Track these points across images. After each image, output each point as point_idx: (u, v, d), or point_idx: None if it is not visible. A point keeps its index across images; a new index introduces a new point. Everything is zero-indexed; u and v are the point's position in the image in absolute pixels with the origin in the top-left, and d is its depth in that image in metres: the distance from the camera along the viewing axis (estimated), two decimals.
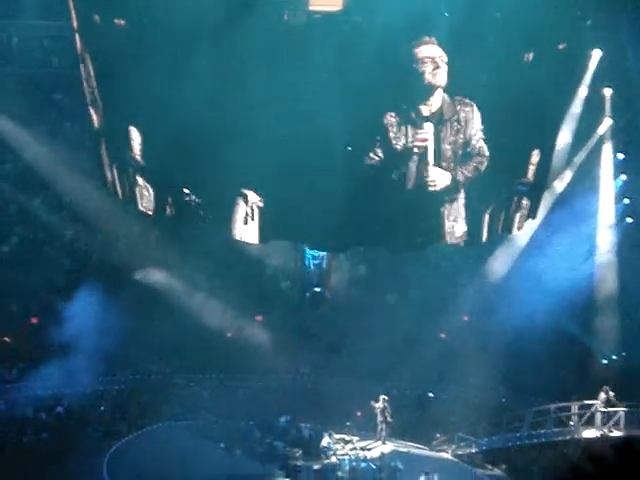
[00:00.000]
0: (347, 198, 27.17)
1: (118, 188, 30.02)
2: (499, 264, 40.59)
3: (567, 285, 38.48)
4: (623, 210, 40.59)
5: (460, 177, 28.05)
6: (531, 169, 29.95)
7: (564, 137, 37.21)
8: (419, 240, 30.21)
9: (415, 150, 27.20)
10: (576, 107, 37.58)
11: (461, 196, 28.69)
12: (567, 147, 38.37)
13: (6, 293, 39.30)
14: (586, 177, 39.73)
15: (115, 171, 29.79)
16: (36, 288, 39.86)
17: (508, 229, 31.15)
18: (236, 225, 28.46)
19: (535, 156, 29.76)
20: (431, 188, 27.80)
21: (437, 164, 27.71)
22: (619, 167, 40.38)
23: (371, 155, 27.09)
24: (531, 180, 30.13)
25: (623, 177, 40.43)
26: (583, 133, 39.21)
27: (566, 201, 39.13)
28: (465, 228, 29.18)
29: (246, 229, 28.51)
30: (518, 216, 30.58)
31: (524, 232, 35.86)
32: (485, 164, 28.19)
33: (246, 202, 28.03)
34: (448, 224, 28.87)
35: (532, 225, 35.46)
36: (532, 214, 32.09)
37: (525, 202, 30.57)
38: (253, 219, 28.30)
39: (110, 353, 35.96)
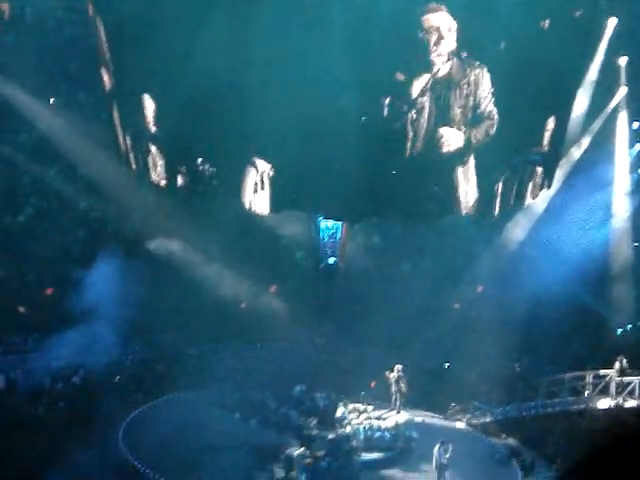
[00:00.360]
0: (359, 166, 26.96)
1: (131, 157, 29.86)
2: (514, 233, 40.38)
3: (582, 254, 38.24)
4: (638, 179, 40.26)
5: (472, 139, 27.76)
6: (547, 137, 29.67)
7: (580, 105, 36.80)
8: (432, 208, 29.95)
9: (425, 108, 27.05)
10: (592, 75, 37.15)
11: (472, 162, 28.43)
12: (583, 115, 37.97)
13: (21, 263, 39.34)
14: (602, 145, 39.34)
15: (128, 139, 29.61)
16: (51, 258, 39.80)
17: (521, 200, 30.88)
18: (246, 194, 28.28)
19: (551, 123, 29.47)
20: (445, 148, 27.54)
21: (448, 126, 27.48)
22: (635, 136, 40.01)
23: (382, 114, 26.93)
24: (545, 149, 29.84)
25: (638, 146, 40.08)
26: (599, 102, 38.81)
27: (582, 169, 38.75)
28: (476, 196, 28.95)
29: (256, 198, 28.34)
30: (531, 186, 30.30)
31: (540, 200, 35.56)
32: (495, 128, 27.90)
33: (256, 170, 27.85)
34: (461, 190, 28.63)
35: (548, 193, 35.12)
36: (548, 183, 31.81)
37: (539, 171, 30.28)
38: (263, 188, 28.13)
39: (125, 323, 35.81)
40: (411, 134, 27.24)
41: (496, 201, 29.58)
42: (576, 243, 39.13)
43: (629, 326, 38.58)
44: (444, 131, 27.28)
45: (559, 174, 34.60)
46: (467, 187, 28.71)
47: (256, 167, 27.76)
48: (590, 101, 37.73)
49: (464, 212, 29.42)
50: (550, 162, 30.98)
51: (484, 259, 41.34)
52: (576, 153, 38.63)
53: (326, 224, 37.76)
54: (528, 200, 31.42)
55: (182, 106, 27.02)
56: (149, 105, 27.99)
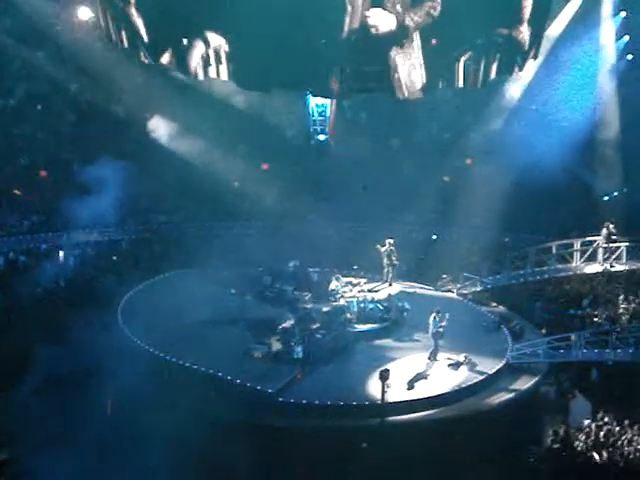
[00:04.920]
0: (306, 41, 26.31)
1: (114, 37, 28.88)
2: (502, 104, 39.49)
3: (570, 123, 37.46)
4: (623, 47, 39.18)
5: (409, 22, 26.62)
6: (526, 13, 28.57)
7: None
8: (374, 86, 29.30)
9: None
10: None
11: (416, 43, 27.37)
12: None
13: (14, 147, 38.38)
14: (587, 14, 38.04)
15: (109, 19, 28.60)
16: (43, 141, 38.94)
17: (486, 80, 29.96)
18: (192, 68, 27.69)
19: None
20: (373, 30, 26.53)
21: (379, 5, 26.33)
22: (619, 4, 38.68)
23: None
24: (507, 32, 28.77)
25: (623, 14, 38.80)
26: None
27: (568, 38, 37.59)
28: (424, 80, 28.07)
29: (216, 73, 27.78)
30: (495, 66, 29.33)
31: (528, 71, 34.56)
32: (438, 9, 26.72)
33: (207, 45, 27.07)
34: (402, 72, 27.64)
35: (535, 63, 34.17)
36: (534, 54, 30.90)
37: (500, 54, 29.25)
38: (220, 62, 27.39)
39: (121, 204, 35.02)
40: (349, 8, 26.18)
41: (458, 77, 28.69)
42: (563, 112, 38.29)
43: (615, 192, 37.98)
44: (375, 12, 26.26)
45: (545, 44, 33.57)
46: (411, 68, 27.76)
47: (207, 41, 27.04)
48: None
49: (409, 95, 28.57)
50: (535, 32, 29.89)
51: (472, 131, 40.58)
52: (562, 22, 37.33)
53: (315, 101, 37.05)
54: (494, 78, 30.51)
55: None
56: None
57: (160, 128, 39.18)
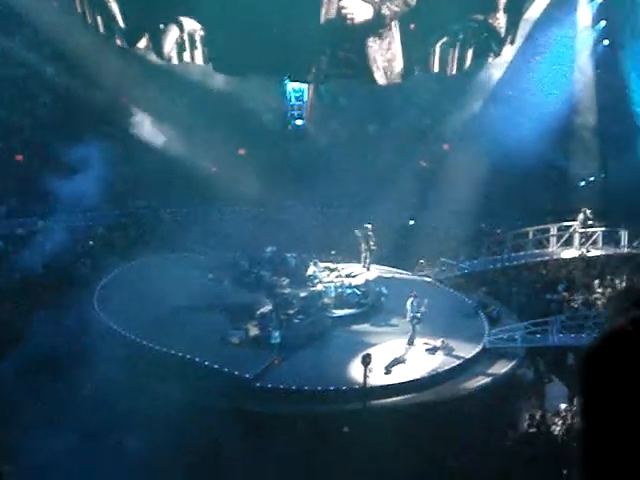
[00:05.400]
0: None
1: (89, 19, 28.75)
2: (479, 90, 39.41)
3: (546, 109, 37.45)
4: (600, 32, 39.20)
5: (386, 11, 26.58)
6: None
7: None
8: (348, 72, 29.32)
9: None
10: None
11: (394, 31, 27.32)
12: None
13: None
14: (563, 1, 38.08)
15: (85, 3, 28.45)
16: (19, 125, 38.59)
17: (462, 65, 30.02)
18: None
19: None
20: (349, 20, 26.53)
21: None
22: None
23: None
24: (483, 18, 28.83)
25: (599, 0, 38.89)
26: None
27: (545, 24, 37.54)
28: (402, 65, 28.06)
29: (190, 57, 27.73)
30: (470, 52, 29.35)
31: (504, 56, 34.55)
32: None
33: (181, 29, 26.96)
34: (381, 59, 27.62)
35: (512, 49, 34.15)
36: (511, 39, 30.96)
37: (476, 39, 29.28)
38: (195, 47, 27.35)
39: (97, 189, 34.72)
40: None
41: (433, 63, 28.71)
42: (540, 97, 38.31)
43: (591, 178, 38.07)
44: (349, 2, 26.26)
45: (524, 26, 33.59)
46: (390, 55, 27.75)
47: (181, 25, 26.89)
48: None
49: (386, 81, 28.57)
50: (512, 19, 29.93)
51: (449, 118, 40.54)
52: (540, 5, 37.27)
53: (293, 86, 36.91)
54: (469, 64, 30.54)
55: None
56: None
57: (138, 113, 38.86)
